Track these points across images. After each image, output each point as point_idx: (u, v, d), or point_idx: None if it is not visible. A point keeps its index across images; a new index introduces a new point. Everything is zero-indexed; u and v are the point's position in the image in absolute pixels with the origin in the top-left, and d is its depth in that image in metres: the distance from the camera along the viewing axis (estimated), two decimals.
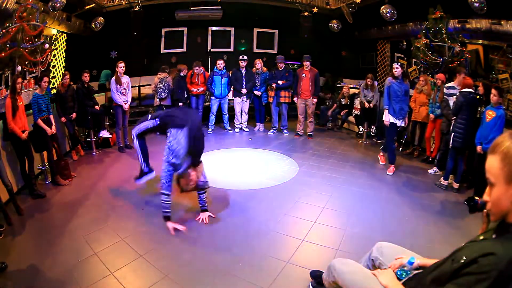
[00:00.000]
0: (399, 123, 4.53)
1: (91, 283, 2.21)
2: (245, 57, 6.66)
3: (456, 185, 3.99)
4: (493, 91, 3.43)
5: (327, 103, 7.52)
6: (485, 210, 1.15)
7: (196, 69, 6.61)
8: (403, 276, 1.48)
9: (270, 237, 2.89)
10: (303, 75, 6.28)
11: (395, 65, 4.46)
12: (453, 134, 3.91)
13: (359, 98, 6.52)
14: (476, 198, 1.22)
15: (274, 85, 6.42)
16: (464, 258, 0.98)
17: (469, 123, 3.77)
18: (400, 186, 4.17)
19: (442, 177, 4.17)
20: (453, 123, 4.00)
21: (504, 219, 0.98)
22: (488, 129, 3.44)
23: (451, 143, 3.93)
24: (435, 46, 5.01)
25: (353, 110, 6.86)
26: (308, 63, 6.23)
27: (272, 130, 6.84)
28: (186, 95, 6.51)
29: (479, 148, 3.47)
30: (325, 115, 7.47)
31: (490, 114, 3.45)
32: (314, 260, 2.53)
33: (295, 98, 6.51)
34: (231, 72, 6.84)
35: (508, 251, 0.90)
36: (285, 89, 6.52)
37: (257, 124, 7.14)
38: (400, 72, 4.41)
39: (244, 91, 6.62)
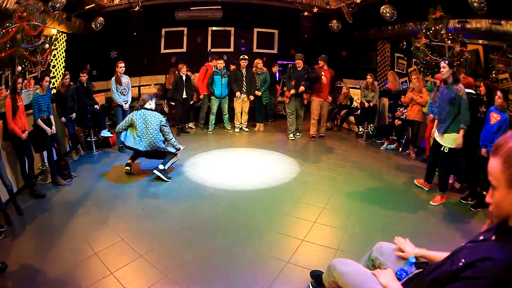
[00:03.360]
0: (437, 137, 3.63)
1: (91, 283, 2.21)
2: (246, 57, 6.65)
3: (457, 185, 3.99)
4: (499, 93, 3.37)
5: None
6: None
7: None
8: (403, 276, 1.49)
9: (270, 237, 2.89)
10: (322, 73, 6.12)
11: (442, 63, 3.40)
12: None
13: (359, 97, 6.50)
14: (484, 193, 1.22)
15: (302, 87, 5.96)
16: (463, 260, 0.98)
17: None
18: (400, 186, 4.16)
19: None
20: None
21: (505, 222, 0.97)
22: (492, 131, 3.38)
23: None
24: (435, 46, 5.01)
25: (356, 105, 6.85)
26: (324, 63, 6.13)
27: (298, 134, 6.54)
28: (186, 96, 6.52)
29: (483, 150, 3.42)
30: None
31: (494, 117, 3.38)
32: (314, 260, 2.53)
33: (313, 98, 6.21)
34: (231, 70, 6.85)
35: (506, 256, 0.90)
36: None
37: (257, 124, 7.14)
38: (448, 74, 3.36)
39: (238, 94, 6.62)
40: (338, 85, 8.26)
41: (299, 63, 6.06)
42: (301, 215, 3.31)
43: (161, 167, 4.14)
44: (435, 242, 2.78)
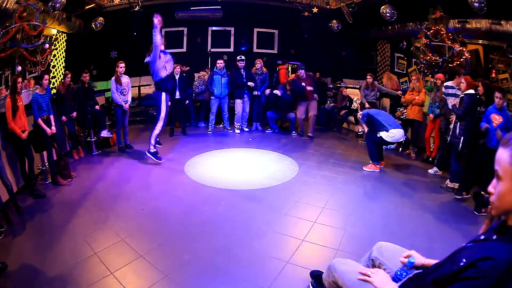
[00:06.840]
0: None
1: (91, 283, 2.21)
2: (243, 57, 6.65)
3: (456, 185, 3.98)
4: (497, 93, 3.35)
5: (328, 101, 7.52)
6: (490, 206, 1.15)
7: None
8: (403, 276, 1.48)
9: (270, 237, 2.88)
10: (303, 84, 6.27)
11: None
12: (462, 138, 3.76)
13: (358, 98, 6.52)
14: (483, 193, 1.22)
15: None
16: (464, 260, 0.98)
17: (471, 124, 3.74)
18: (400, 186, 4.16)
19: (448, 180, 4.08)
20: (455, 124, 3.94)
21: (505, 221, 0.97)
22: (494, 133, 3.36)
23: (460, 147, 3.77)
24: (435, 46, 5.01)
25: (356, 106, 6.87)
26: (302, 71, 6.27)
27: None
28: (179, 96, 6.46)
29: (484, 126, 3.43)
30: (324, 115, 7.47)
31: (496, 119, 3.35)
32: (314, 260, 2.53)
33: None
34: (230, 71, 6.84)
35: (507, 255, 0.89)
36: None
37: (254, 123, 7.14)
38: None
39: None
40: (338, 85, 8.26)
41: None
42: (301, 215, 3.31)
43: (151, 150, 4.69)
44: (435, 242, 2.78)
